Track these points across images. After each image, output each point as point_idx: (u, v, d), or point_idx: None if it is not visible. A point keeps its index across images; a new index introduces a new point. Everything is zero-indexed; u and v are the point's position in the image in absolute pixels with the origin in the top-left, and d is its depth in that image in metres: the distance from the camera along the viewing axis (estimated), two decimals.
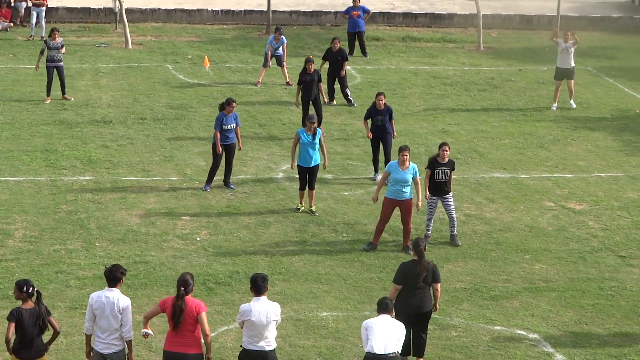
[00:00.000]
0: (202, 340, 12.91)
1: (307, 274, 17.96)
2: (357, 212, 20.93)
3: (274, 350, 13.11)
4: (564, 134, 26.86)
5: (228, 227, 19.91)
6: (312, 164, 20.67)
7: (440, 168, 19.33)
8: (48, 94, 27.63)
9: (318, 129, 20.65)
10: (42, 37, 34.97)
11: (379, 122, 22.76)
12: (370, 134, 22.83)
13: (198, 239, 19.23)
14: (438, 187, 19.41)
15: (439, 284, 14.87)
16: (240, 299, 16.78)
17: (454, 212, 19.61)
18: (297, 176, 20.93)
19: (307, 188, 20.75)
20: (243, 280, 17.49)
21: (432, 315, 15.71)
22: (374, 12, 37.03)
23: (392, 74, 32.18)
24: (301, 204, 20.82)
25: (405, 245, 19.10)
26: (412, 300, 14.46)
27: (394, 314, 13.45)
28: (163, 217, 20.27)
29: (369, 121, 22.90)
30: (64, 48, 27.87)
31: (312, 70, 25.82)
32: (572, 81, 29.10)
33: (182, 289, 12.79)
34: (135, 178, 22.36)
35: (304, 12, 39.73)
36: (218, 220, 20.25)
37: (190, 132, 25.54)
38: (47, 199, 20.97)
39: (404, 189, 18.82)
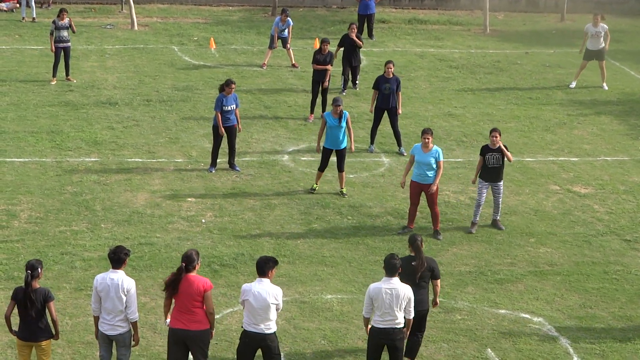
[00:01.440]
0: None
1: (311, 256, 17.98)
2: (362, 195, 20.93)
3: (273, 333, 13.11)
4: (570, 118, 26.84)
5: (233, 209, 19.93)
6: (341, 147, 20.61)
7: (490, 154, 19.24)
8: (54, 75, 27.59)
9: (344, 112, 20.57)
10: (33, 18, 34.93)
11: (386, 91, 22.96)
12: (372, 108, 23.31)
13: (203, 220, 19.25)
14: (489, 173, 19.29)
15: (439, 280, 14.65)
16: (245, 280, 16.77)
17: (501, 198, 19.50)
18: (320, 157, 20.87)
19: (329, 171, 20.73)
20: (248, 263, 17.52)
21: (438, 298, 15.71)
22: None
23: (398, 57, 32.09)
24: (316, 184, 20.76)
25: (435, 229, 19.15)
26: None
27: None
28: (168, 198, 20.29)
29: (376, 93, 23.21)
30: (73, 27, 27.83)
31: (327, 51, 25.84)
32: (604, 62, 29.50)
33: (184, 263, 12.84)
34: (140, 160, 22.38)
35: None
36: (223, 202, 20.27)
37: (196, 113, 25.54)
38: (52, 180, 20.99)
39: (428, 173, 18.77)
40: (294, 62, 30.44)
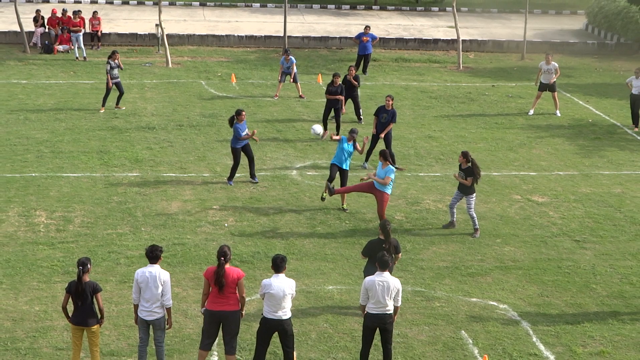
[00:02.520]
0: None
1: (316, 254, 17.95)
2: (358, 203, 20.89)
3: (289, 318, 13.15)
4: (529, 139, 26.80)
5: (251, 215, 19.90)
6: (345, 167, 20.54)
7: (460, 172, 19.30)
8: (103, 105, 27.61)
9: (355, 141, 20.56)
10: (84, 57, 34.87)
11: (383, 120, 22.98)
12: (374, 130, 23.18)
13: (226, 225, 19.23)
14: (460, 186, 19.36)
15: (400, 254, 15.21)
16: (261, 274, 16.79)
17: (471, 211, 19.35)
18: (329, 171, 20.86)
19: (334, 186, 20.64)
20: (263, 259, 17.50)
21: (420, 289, 15.73)
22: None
23: (386, 89, 32.09)
24: (325, 192, 20.62)
25: (380, 219, 19.17)
26: (373, 268, 14.33)
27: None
28: (197, 206, 20.27)
29: (376, 119, 23.26)
30: (121, 64, 28.06)
31: (338, 83, 25.92)
32: (556, 93, 29.62)
33: (222, 258, 12.93)
34: (174, 174, 22.36)
35: (314, 37, 39.65)
36: (242, 209, 20.24)
37: (220, 136, 25.52)
38: (101, 191, 20.97)
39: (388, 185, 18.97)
40: (300, 93, 30.43)
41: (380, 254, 13.51)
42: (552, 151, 25.72)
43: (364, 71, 34.46)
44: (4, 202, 20.01)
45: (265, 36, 39.13)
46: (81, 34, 35.40)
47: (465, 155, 19.26)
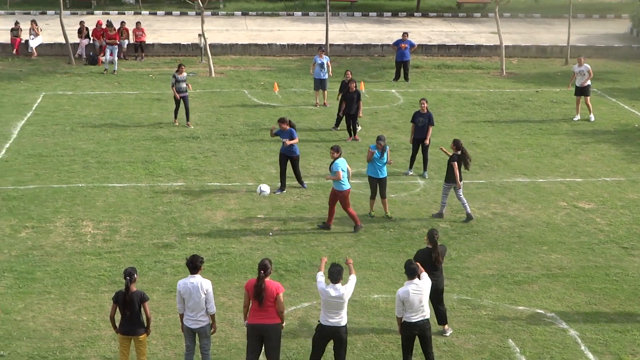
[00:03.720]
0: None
1: (361, 262, 17.91)
2: (402, 211, 20.84)
3: (345, 325, 13.16)
4: (575, 145, 26.57)
5: (295, 224, 19.92)
6: (381, 176, 20.40)
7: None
8: (175, 117, 27.61)
9: (386, 146, 20.41)
10: (114, 70, 34.87)
11: (420, 124, 22.97)
12: (411, 139, 23.22)
13: (270, 233, 19.26)
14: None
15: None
16: (306, 283, 16.80)
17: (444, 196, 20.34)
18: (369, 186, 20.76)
19: (377, 197, 20.54)
20: (308, 268, 17.51)
21: (466, 297, 15.63)
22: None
23: (429, 96, 31.97)
24: (372, 210, 20.52)
25: (356, 226, 19.63)
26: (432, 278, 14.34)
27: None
28: (241, 215, 20.33)
29: (414, 126, 23.25)
30: (189, 86, 27.72)
31: (354, 89, 25.95)
32: (589, 97, 29.26)
33: (262, 272, 12.94)
34: (218, 184, 22.45)
35: (355, 45, 39.68)
36: (287, 218, 20.27)
37: (263, 145, 25.59)
38: (146, 201, 21.11)
39: (340, 181, 19.26)
40: (325, 101, 30.31)
41: (408, 261, 13.52)
42: (598, 157, 25.46)
43: (406, 78, 34.38)
44: (51, 212, 20.23)
45: (307, 44, 39.21)
46: (116, 46, 35.57)
47: (456, 143, 20.08)
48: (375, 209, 20.58)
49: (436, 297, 14.77)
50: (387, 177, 20.59)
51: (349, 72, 27.26)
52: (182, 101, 27.24)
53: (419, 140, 23.17)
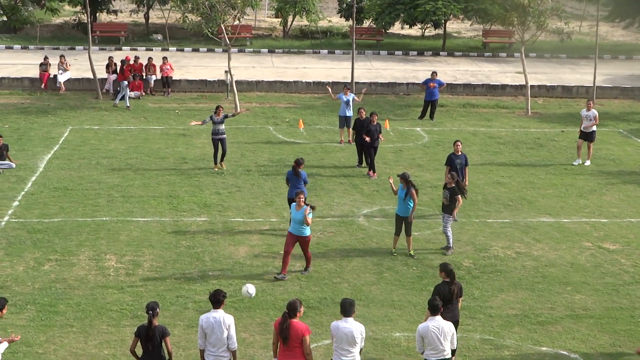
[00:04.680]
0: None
1: (383, 300, 17.82)
2: (425, 249, 20.74)
3: None
4: (600, 185, 26.42)
5: (317, 260, 19.87)
6: (407, 214, 20.26)
7: (444, 190, 20.23)
8: (215, 163, 26.67)
9: (410, 185, 20.23)
10: (127, 106, 34.94)
11: (459, 165, 22.85)
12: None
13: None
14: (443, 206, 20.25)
15: (462, 298, 15.14)
16: (328, 320, 16.71)
17: (446, 229, 20.40)
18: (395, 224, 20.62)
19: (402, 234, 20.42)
20: (330, 305, 17.43)
21: (489, 337, 15.48)
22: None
23: (454, 135, 31.99)
24: (395, 247, 20.48)
25: (306, 267, 19.23)
26: (447, 314, 14.26)
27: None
28: (264, 251, 20.32)
29: (448, 168, 23.10)
30: (227, 116, 26.78)
31: (375, 122, 26.19)
32: (592, 144, 28.69)
33: (287, 312, 12.86)
34: (242, 219, 22.47)
35: (381, 83, 39.79)
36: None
37: None
38: (170, 236, 21.16)
39: (301, 227, 18.50)
40: (350, 138, 30.28)
41: (431, 298, 13.47)
42: (624, 197, 25.29)
43: (432, 117, 34.41)
44: (75, 245, 20.31)
45: (332, 82, 39.34)
46: (126, 82, 35.75)
47: (453, 175, 20.25)
48: (397, 245, 20.50)
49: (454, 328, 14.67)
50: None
51: (362, 110, 27.33)
52: (219, 144, 26.47)
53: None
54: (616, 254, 20.85)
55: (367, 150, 26.61)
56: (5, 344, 13.08)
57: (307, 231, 18.64)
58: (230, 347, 13.21)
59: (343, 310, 13.08)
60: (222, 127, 26.38)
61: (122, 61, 37.31)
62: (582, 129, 28.58)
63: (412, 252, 20.34)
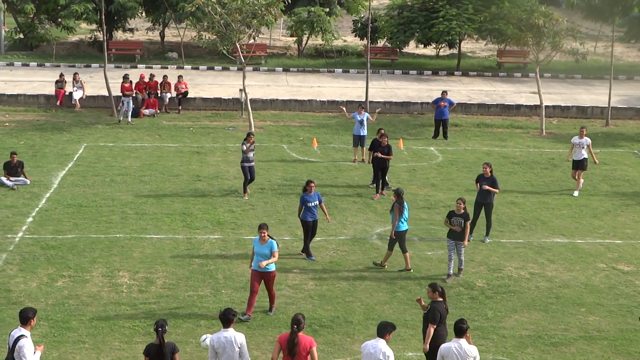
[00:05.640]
0: None
1: (395, 319, 17.72)
2: (438, 269, 20.71)
3: None
4: (615, 206, 26.34)
5: (330, 279, 19.87)
6: (403, 229, 20.53)
7: (455, 218, 19.84)
8: (245, 191, 25.90)
9: (405, 203, 20.59)
10: (128, 121, 35.20)
11: (485, 188, 22.83)
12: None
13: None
14: (454, 234, 19.84)
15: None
16: (340, 339, 16.71)
17: (463, 255, 20.08)
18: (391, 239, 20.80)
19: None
20: (342, 324, 17.41)
21: (502, 358, 15.43)
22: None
23: (468, 154, 31.99)
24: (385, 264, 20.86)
25: (270, 306, 18.00)
26: (442, 331, 14.61)
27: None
28: (277, 269, 20.25)
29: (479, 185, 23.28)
30: (253, 149, 25.88)
31: (385, 143, 26.11)
32: (583, 172, 27.49)
33: (295, 326, 12.89)
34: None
35: (395, 102, 39.82)
36: (322, 273, 20.23)
37: None
38: (183, 253, 21.19)
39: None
40: (364, 157, 30.37)
41: (458, 320, 13.42)
42: (638, 219, 25.19)
43: (445, 136, 34.42)
44: (88, 262, 20.36)
45: (347, 101, 39.40)
46: (130, 99, 35.91)
47: (464, 201, 20.08)
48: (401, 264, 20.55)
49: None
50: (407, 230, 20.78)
51: (381, 131, 27.29)
52: (248, 171, 25.83)
53: (481, 204, 22.96)
54: (631, 275, 20.76)
55: (375, 171, 26.53)
56: (39, 353, 13.07)
57: (272, 267, 17.50)
58: None
59: (378, 330, 13.23)
60: (252, 154, 25.78)
61: (124, 76, 37.17)
62: (574, 158, 27.40)
63: (409, 268, 20.58)
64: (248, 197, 25.74)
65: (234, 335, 13.14)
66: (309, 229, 21.20)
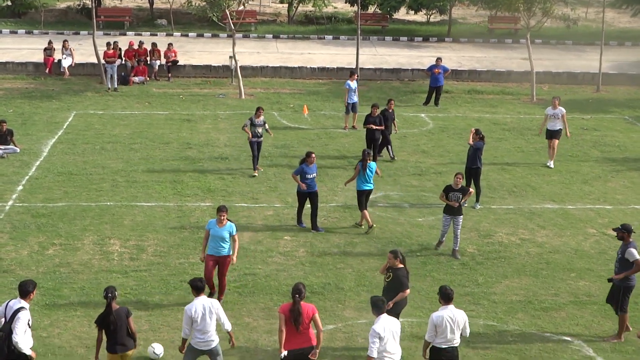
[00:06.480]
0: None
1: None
2: (429, 235, 20.77)
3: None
4: (605, 172, 26.41)
5: (322, 246, 19.92)
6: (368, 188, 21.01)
7: (453, 193, 19.43)
8: (254, 168, 25.06)
9: (374, 163, 21.14)
10: (115, 88, 35.23)
11: (469, 153, 22.98)
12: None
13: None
14: (451, 209, 19.42)
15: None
16: (331, 306, 16.77)
17: (459, 231, 19.58)
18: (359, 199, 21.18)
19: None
20: (334, 291, 17.49)
21: (492, 323, 15.51)
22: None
23: (459, 121, 31.99)
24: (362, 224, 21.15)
25: (219, 298, 16.80)
26: (403, 300, 14.88)
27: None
28: (268, 237, 20.36)
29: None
30: (266, 124, 25.13)
31: (376, 114, 25.99)
32: (557, 141, 26.90)
33: (297, 296, 12.89)
34: (245, 204, 22.50)
35: (386, 69, 39.75)
36: (313, 240, 20.26)
37: (292, 167, 25.57)
38: (174, 221, 21.20)
39: (223, 245, 16.61)
40: (354, 124, 30.42)
41: (443, 287, 13.48)
42: (629, 184, 25.28)
43: (436, 103, 34.39)
44: (79, 230, 20.36)
45: (337, 68, 39.34)
46: (115, 65, 35.81)
47: (463, 176, 19.85)
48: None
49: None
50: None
51: (392, 102, 27.24)
52: (256, 146, 25.03)
53: (468, 169, 22.95)
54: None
55: (367, 143, 26.34)
56: (29, 332, 12.99)
57: (227, 250, 16.65)
58: (225, 329, 13.38)
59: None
60: (261, 130, 24.89)
61: (107, 43, 36.91)
62: (547, 127, 26.82)
63: (371, 225, 20.86)
64: (258, 173, 24.97)
65: (211, 302, 13.27)
66: (304, 201, 20.96)
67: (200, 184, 23.91)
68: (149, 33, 46.72)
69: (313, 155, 20.91)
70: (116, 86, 35.38)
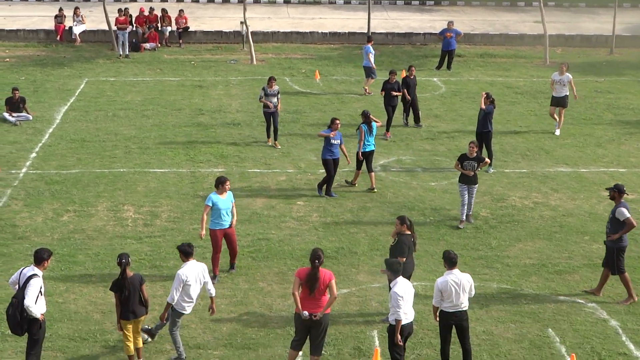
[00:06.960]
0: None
1: None
2: (442, 199, 20.77)
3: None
4: (618, 135, 26.30)
5: (335, 211, 19.94)
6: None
7: (468, 161, 19.16)
8: (268, 137, 24.55)
9: (374, 123, 21.37)
10: (127, 55, 35.30)
11: (480, 117, 22.85)
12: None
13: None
14: (466, 178, 19.14)
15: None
16: (345, 270, 16.82)
17: (474, 199, 19.44)
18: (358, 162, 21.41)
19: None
20: (347, 255, 17.53)
21: (506, 286, 15.54)
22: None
23: (471, 85, 31.84)
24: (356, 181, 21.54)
25: (232, 263, 16.87)
26: (409, 263, 14.74)
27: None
28: (281, 202, 20.38)
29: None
30: (279, 95, 24.45)
31: (394, 80, 25.81)
32: (564, 110, 26.46)
33: (316, 261, 12.87)
34: (258, 170, 22.52)
35: (397, 33, 39.54)
36: (327, 205, 20.28)
37: (304, 132, 25.62)
38: (187, 186, 21.24)
39: (227, 215, 16.36)
40: (366, 87, 30.38)
41: (447, 252, 13.45)
42: None
43: (449, 67, 34.24)
44: (93, 197, 20.43)
45: (349, 32, 39.14)
46: (127, 31, 35.76)
47: (477, 145, 19.48)
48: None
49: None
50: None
51: (413, 68, 27.06)
52: (271, 118, 24.32)
53: (479, 134, 22.86)
54: (634, 203, 20.77)
55: (386, 108, 26.10)
56: (43, 300, 13.09)
57: (230, 218, 16.43)
58: (211, 294, 13.69)
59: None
60: (275, 100, 24.17)
61: (119, 10, 36.83)
62: (553, 94, 26.29)
63: (373, 187, 21.19)
64: (272, 142, 24.49)
65: (203, 267, 13.43)
66: (331, 168, 20.72)
67: (213, 150, 23.92)
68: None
69: (338, 121, 20.77)
70: (127, 53, 35.39)
